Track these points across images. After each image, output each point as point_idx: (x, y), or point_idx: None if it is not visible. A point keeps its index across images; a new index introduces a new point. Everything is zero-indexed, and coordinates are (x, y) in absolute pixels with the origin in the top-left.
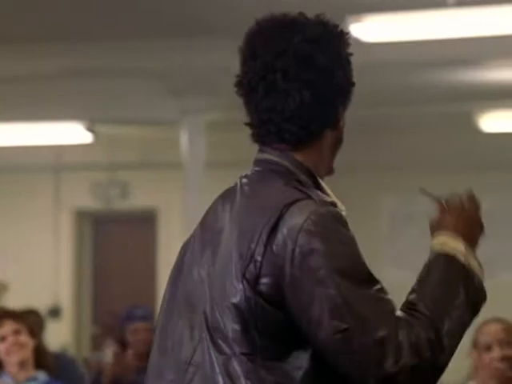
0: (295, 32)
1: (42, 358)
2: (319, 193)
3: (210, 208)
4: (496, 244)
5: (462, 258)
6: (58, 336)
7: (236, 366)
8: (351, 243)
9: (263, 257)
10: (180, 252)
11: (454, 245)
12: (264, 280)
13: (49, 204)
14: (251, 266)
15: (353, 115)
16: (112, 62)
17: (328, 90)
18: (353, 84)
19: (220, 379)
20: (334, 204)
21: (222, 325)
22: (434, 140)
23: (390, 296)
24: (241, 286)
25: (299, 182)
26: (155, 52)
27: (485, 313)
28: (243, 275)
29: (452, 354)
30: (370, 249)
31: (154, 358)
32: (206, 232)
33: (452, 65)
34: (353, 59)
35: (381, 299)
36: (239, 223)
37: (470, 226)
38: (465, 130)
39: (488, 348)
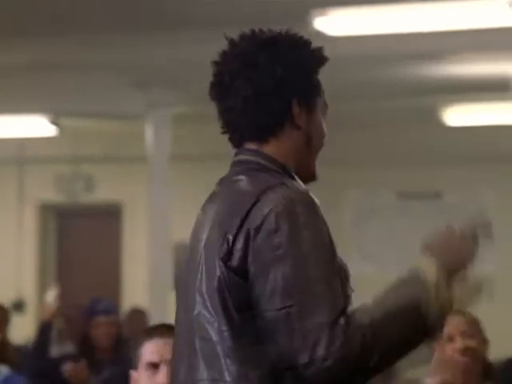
0: (250, 41)
1: (5, 351)
2: (294, 181)
3: (195, 223)
4: None
5: (429, 284)
6: (21, 330)
7: (217, 347)
8: (318, 228)
9: (236, 236)
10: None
11: (428, 270)
12: (235, 256)
13: (12, 197)
14: (225, 245)
15: None
16: (77, 55)
17: (269, 85)
18: (309, 86)
19: (200, 361)
20: (307, 191)
21: (206, 311)
22: (398, 134)
23: (344, 289)
24: (217, 264)
25: (276, 172)
26: (121, 45)
27: None
28: (219, 255)
29: (386, 362)
30: (336, 243)
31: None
32: (193, 240)
33: (416, 59)
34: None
35: (332, 288)
36: (220, 212)
37: (456, 258)
38: (428, 124)
39: (450, 339)
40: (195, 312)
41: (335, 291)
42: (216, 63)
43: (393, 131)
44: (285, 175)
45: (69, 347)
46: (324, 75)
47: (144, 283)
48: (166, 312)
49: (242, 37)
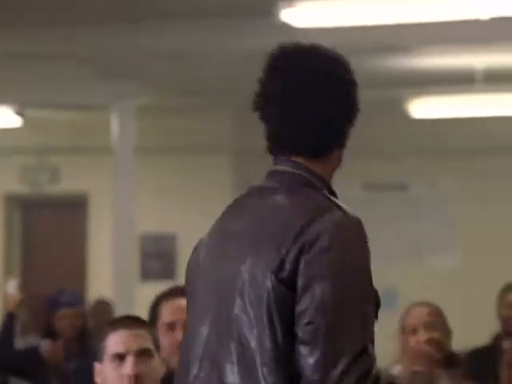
0: (314, 57)
1: None
2: (345, 206)
3: (219, 224)
4: (424, 229)
5: None
6: None
7: (255, 355)
8: (364, 257)
9: (289, 249)
10: (194, 253)
11: None
12: (286, 267)
13: None
14: (277, 258)
15: None
16: (43, 46)
17: (340, 109)
18: (358, 109)
19: (234, 366)
20: (357, 218)
21: (246, 317)
22: (363, 125)
23: (373, 328)
24: (268, 276)
25: (319, 189)
26: (86, 36)
27: (412, 296)
28: (269, 267)
29: None
30: None
31: (182, 355)
32: (222, 242)
33: (382, 51)
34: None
35: (364, 321)
36: (265, 224)
37: None
38: (394, 115)
39: (414, 331)
40: (234, 314)
41: (366, 326)
42: (272, 70)
43: (358, 123)
44: (328, 193)
45: (33, 339)
46: None
47: (109, 274)
48: (131, 303)
49: (295, 48)
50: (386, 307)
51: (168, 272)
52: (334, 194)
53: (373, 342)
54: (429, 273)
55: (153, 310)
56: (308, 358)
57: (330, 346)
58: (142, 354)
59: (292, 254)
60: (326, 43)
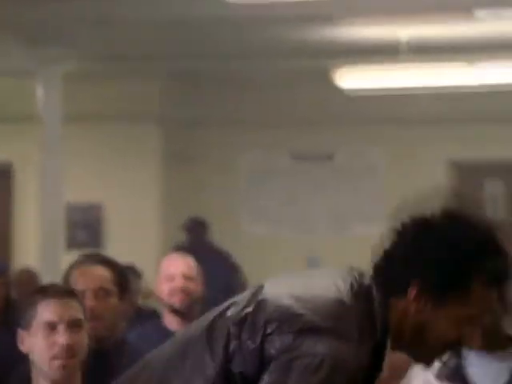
0: (431, 235)
1: None
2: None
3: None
4: (350, 198)
5: None
6: None
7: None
8: None
9: (281, 326)
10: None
11: None
12: (271, 336)
13: None
14: (274, 326)
15: (210, 69)
16: None
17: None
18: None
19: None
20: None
21: (203, 345)
22: (293, 96)
23: None
24: (260, 324)
25: (373, 323)
26: (8, 2)
27: (335, 266)
28: (264, 322)
29: None
30: (228, 204)
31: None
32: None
33: (308, 21)
34: (216, 16)
35: None
36: (306, 284)
37: None
38: (321, 85)
39: None
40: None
41: None
42: (397, 235)
43: (287, 93)
44: (379, 337)
45: None
46: (218, 36)
47: (35, 243)
48: (57, 272)
49: (432, 222)
50: None
51: (94, 241)
52: (383, 344)
53: None
54: (353, 242)
55: (65, 279)
56: None
57: None
58: (74, 325)
59: (282, 333)
60: (254, 13)
